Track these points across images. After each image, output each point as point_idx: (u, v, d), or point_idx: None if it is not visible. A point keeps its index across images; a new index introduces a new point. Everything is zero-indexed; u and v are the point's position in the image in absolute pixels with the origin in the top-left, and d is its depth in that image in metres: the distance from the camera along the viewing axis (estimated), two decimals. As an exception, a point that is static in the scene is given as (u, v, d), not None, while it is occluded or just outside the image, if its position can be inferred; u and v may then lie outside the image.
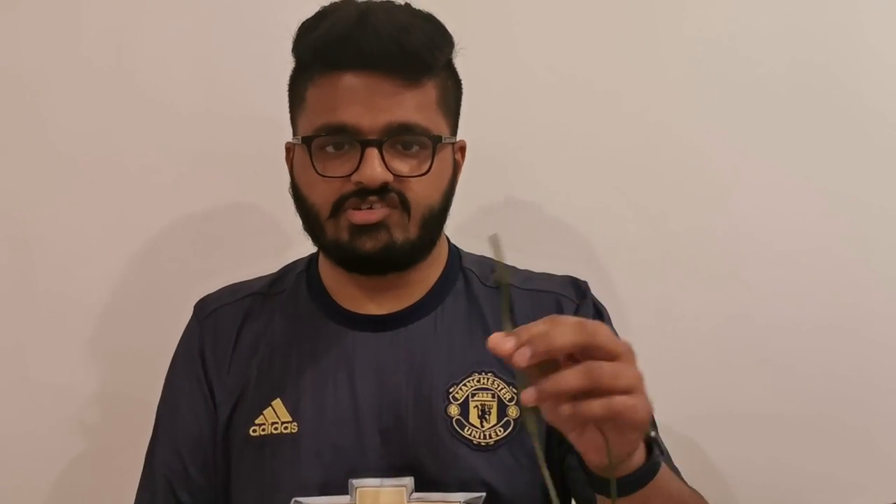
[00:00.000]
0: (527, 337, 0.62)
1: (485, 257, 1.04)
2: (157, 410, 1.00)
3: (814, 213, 1.28)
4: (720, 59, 1.29)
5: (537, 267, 1.06)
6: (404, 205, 0.89)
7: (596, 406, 0.62)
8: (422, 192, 0.90)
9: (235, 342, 0.98)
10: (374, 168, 0.87)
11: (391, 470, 0.90)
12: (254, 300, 1.00)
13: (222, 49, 1.29)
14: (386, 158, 0.87)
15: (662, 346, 1.28)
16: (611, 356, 0.63)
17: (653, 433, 0.75)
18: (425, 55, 0.88)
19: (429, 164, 0.89)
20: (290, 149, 0.98)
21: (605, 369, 0.62)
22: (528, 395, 0.62)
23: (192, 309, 1.03)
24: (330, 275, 0.99)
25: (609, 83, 1.30)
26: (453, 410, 0.92)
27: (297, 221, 1.27)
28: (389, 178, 0.88)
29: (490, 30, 1.27)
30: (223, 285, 1.05)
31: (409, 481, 0.90)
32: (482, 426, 0.91)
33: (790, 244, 1.28)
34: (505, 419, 0.92)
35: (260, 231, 1.30)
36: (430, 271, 0.98)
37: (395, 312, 0.96)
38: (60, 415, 1.28)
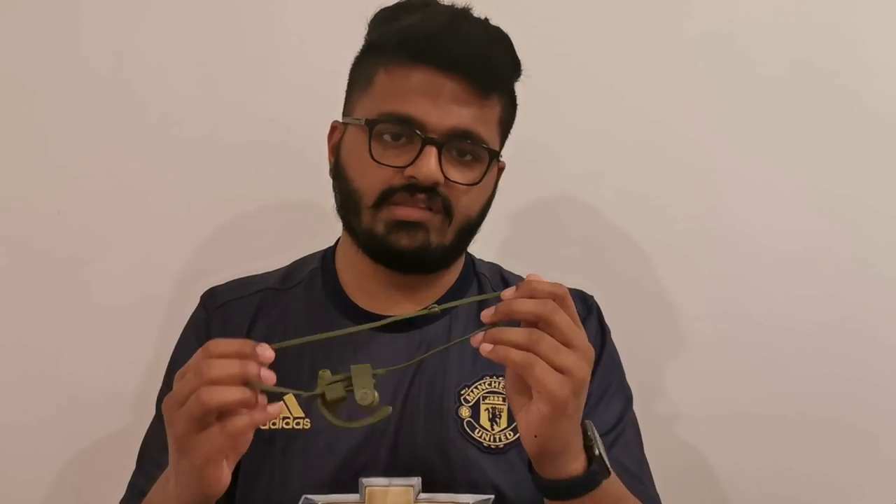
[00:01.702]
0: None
1: (495, 264, 1.06)
2: (159, 396, 0.98)
3: (815, 213, 1.30)
4: (722, 60, 1.30)
5: (537, 267, 1.06)
6: (447, 210, 0.90)
7: (515, 353, 0.72)
8: (467, 202, 0.91)
9: (247, 336, 0.97)
10: (431, 166, 0.87)
11: (400, 469, 0.90)
12: (266, 295, 1.00)
13: (222, 50, 1.29)
14: (442, 161, 0.88)
15: (663, 347, 1.30)
16: (564, 339, 0.73)
17: (597, 451, 0.78)
18: (504, 72, 0.90)
19: (482, 175, 0.90)
20: (336, 128, 0.97)
21: (546, 340, 0.72)
22: (476, 338, 0.74)
23: (191, 307, 1.02)
24: (348, 271, 0.98)
25: (610, 83, 1.31)
26: (464, 412, 0.92)
27: (297, 222, 1.29)
28: (442, 179, 0.88)
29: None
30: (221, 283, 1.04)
31: (416, 481, 0.90)
32: (492, 429, 0.92)
33: (790, 244, 1.30)
34: (515, 423, 0.92)
35: (260, 231, 1.29)
36: (449, 276, 0.99)
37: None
38: (62, 414, 1.26)
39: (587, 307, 1.02)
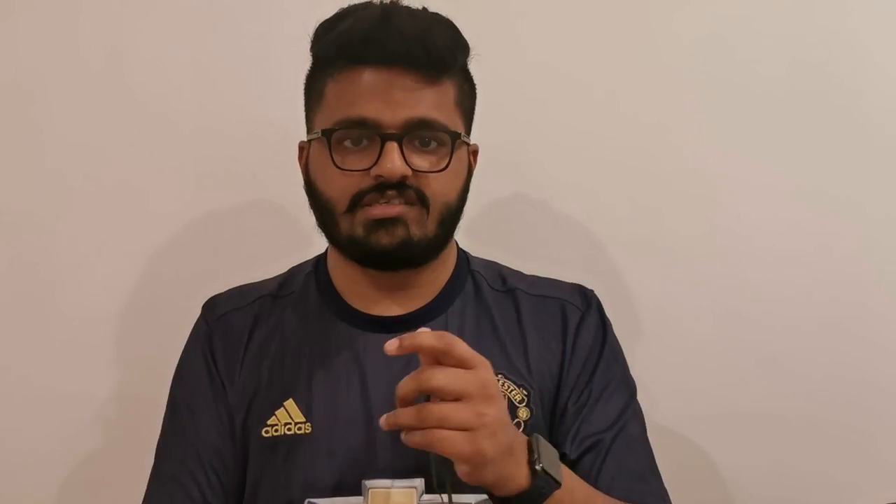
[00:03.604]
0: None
1: (491, 261, 1.06)
2: (168, 411, 1.00)
3: (813, 213, 1.29)
4: (719, 60, 1.30)
5: (537, 268, 1.06)
6: (423, 201, 0.90)
7: (416, 436, 0.73)
8: (440, 189, 0.91)
9: (246, 346, 0.98)
10: (394, 161, 0.87)
11: (402, 471, 0.90)
12: (263, 303, 1.01)
13: (221, 53, 1.29)
14: (405, 153, 0.88)
15: (663, 347, 1.29)
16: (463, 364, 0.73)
17: (538, 466, 0.78)
18: (446, 54, 0.90)
19: (447, 160, 0.90)
20: (303, 147, 0.98)
21: (433, 412, 0.72)
22: (382, 420, 0.75)
23: (194, 312, 1.03)
24: (340, 274, 0.99)
25: (607, 84, 1.30)
26: None
27: (297, 224, 1.28)
28: (408, 172, 0.88)
29: (491, 30, 1.27)
30: (225, 289, 1.05)
31: (419, 482, 0.90)
32: None
33: (789, 245, 1.29)
34: (515, 420, 0.92)
35: (260, 234, 1.30)
36: (440, 273, 0.99)
37: (406, 314, 0.96)
38: (66, 419, 1.28)
39: (586, 301, 1.01)
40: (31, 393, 1.28)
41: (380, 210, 0.89)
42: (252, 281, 1.06)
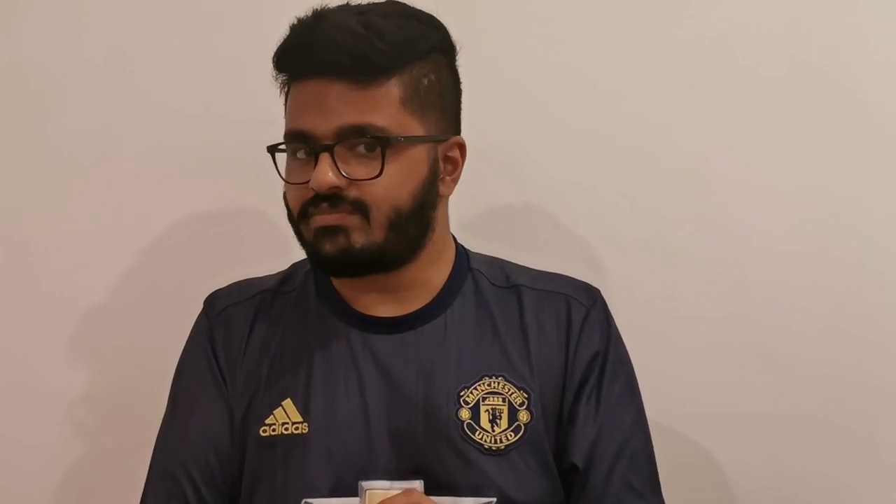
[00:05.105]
0: None
1: (493, 258, 1.04)
2: (169, 405, 0.99)
3: (814, 214, 1.28)
4: (720, 61, 1.29)
5: (538, 267, 1.05)
6: (361, 209, 0.88)
7: None
8: (382, 194, 0.88)
9: (247, 341, 0.97)
10: (323, 174, 0.86)
11: (401, 473, 0.90)
12: (263, 297, 1.00)
13: (221, 51, 1.29)
14: (340, 163, 0.87)
15: (664, 347, 1.28)
16: None
17: None
18: (374, 56, 0.86)
19: (381, 165, 0.87)
20: None
21: None
22: None
23: (190, 310, 1.02)
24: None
25: (609, 84, 1.30)
26: (464, 414, 0.91)
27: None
28: (341, 182, 0.87)
29: (492, 31, 1.27)
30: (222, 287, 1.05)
31: (418, 485, 0.90)
32: (493, 430, 0.91)
33: (790, 245, 1.28)
34: (516, 423, 0.92)
35: (259, 233, 1.29)
36: (436, 272, 0.97)
37: (406, 315, 0.95)
38: (61, 417, 1.27)
39: (592, 298, 1.00)
40: (23, 389, 1.28)
41: (321, 219, 0.89)
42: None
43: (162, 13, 1.29)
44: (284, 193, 0.94)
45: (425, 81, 0.90)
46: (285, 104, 0.93)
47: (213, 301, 1.02)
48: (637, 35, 1.30)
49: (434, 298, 0.96)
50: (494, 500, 0.89)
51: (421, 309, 0.96)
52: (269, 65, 1.26)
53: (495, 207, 1.29)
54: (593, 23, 1.29)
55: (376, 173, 0.87)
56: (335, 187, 0.87)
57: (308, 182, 0.87)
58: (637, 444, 0.96)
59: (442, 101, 0.93)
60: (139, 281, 1.28)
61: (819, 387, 1.28)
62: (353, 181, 0.87)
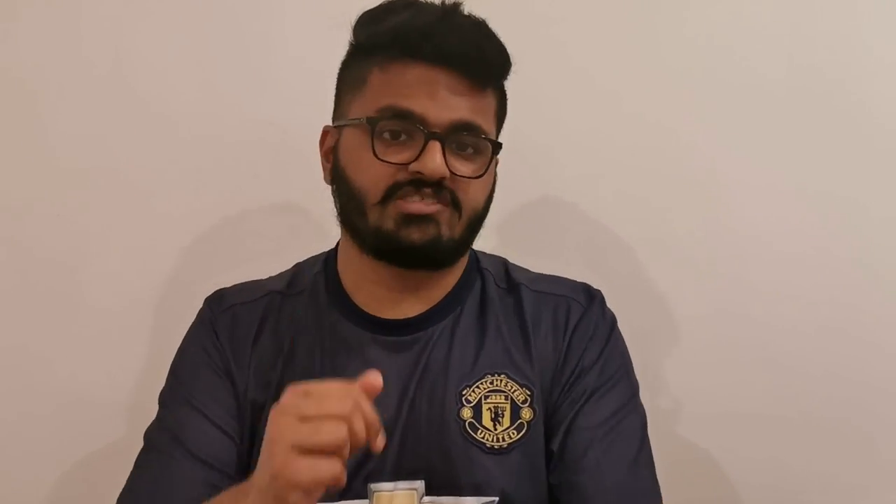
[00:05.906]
0: None
1: (500, 258, 1.05)
2: (169, 378, 0.97)
3: (814, 214, 1.29)
4: (722, 61, 1.29)
5: (538, 268, 1.06)
6: (455, 204, 0.89)
7: None
8: (472, 195, 0.91)
9: (254, 342, 0.96)
10: (437, 160, 0.86)
11: (404, 473, 0.90)
12: (272, 299, 0.99)
13: (222, 53, 1.29)
14: (446, 154, 0.87)
15: (664, 346, 1.29)
16: None
17: None
18: (497, 64, 0.90)
19: (485, 166, 0.90)
20: (329, 133, 0.96)
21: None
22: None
23: (190, 310, 1.01)
24: (351, 273, 0.97)
25: (610, 84, 1.30)
26: (466, 413, 0.91)
27: (296, 224, 1.28)
28: (447, 173, 0.87)
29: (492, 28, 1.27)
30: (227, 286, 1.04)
31: (419, 484, 0.90)
32: (495, 429, 0.91)
33: (790, 245, 1.29)
34: (518, 422, 0.92)
35: (259, 233, 1.29)
36: (452, 272, 0.98)
37: (415, 317, 0.95)
38: (61, 417, 1.27)
39: (590, 298, 1.00)
40: (23, 389, 1.27)
41: (416, 206, 0.88)
42: (256, 278, 1.04)
43: (161, 14, 1.29)
44: (342, 171, 0.91)
45: (503, 101, 0.96)
46: (362, 79, 0.90)
47: (219, 298, 1.00)
48: (638, 35, 1.30)
49: (443, 299, 0.96)
50: (496, 499, 0.89)
51: (430, 310, 0.95)
52: (269, 66, 1.28)
53: (495, 207, 1.28)
54: (593, 23, 1.30)
55: (480, 173, 0.90)
56: (443, 177, 0.87)
57: (405, 164, 0.87)
58: (625, 427, 0.94)
59: (503, 122, 0.98)
60: (139, 281, 1.28)
61: (819, 387, 1.28)
62: (455, 176, 0.88)
